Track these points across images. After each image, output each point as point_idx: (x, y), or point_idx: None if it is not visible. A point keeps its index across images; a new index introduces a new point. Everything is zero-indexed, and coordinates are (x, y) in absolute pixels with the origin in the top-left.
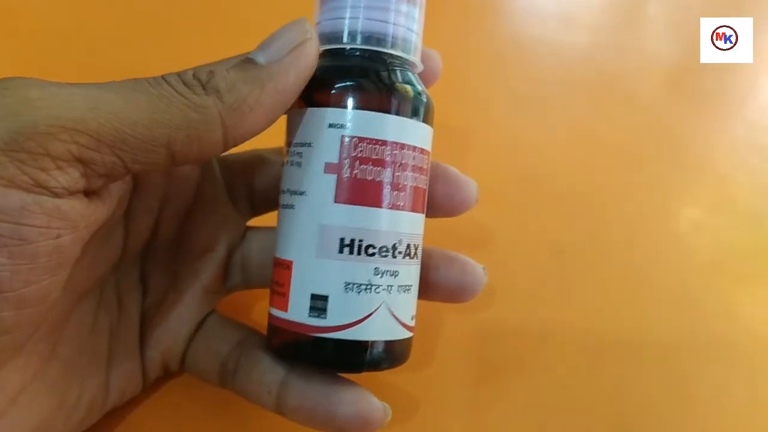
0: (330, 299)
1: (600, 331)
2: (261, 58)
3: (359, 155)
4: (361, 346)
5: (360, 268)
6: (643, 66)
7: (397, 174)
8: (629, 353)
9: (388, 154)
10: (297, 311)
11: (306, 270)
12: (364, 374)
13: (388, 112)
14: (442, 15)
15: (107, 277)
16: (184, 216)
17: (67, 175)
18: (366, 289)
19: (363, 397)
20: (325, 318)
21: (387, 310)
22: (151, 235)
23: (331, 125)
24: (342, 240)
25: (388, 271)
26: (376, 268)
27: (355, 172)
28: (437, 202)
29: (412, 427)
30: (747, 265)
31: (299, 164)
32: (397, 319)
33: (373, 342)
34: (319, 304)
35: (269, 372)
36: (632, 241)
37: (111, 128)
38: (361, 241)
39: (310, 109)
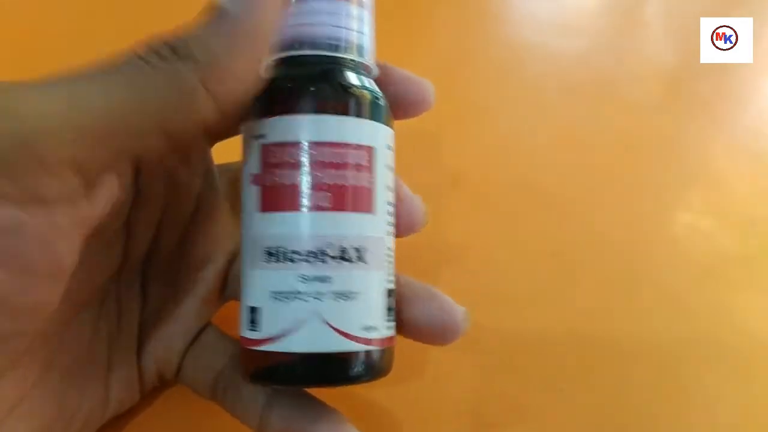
0: (261, 310)
1: (594, 335)
2: (227, 3)
3: (274, 161)
4: (293, 358)
5: (285, 275)
6: (642, 69)
7: (317, 174)
8: (624, 357)
9: (304, 155)
10: (243, 325)
11: (246, 283)
12: (359, 388)
13: (298, 113)
14: (440, 21)
15: (108, 287)
16: (185, 225)
17: (60, 180)
18: (293, 297)
19: (341, 427)
20: (259, 330)
21: (320, 320)
22: (152, 244)
23: (253, 137)
24: (267, 249)
25: (317, 277)
26: (302, 275)
27: (274, 178)
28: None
29: None
30: (742, 269)
31: (243, 180)
32: (335, 329)
33: (306, 354)
34: (254, 316)
35: (255, 392)
36: (628, 245)
37: (100, 126)
38: (283, 248)
39: (243, 126)
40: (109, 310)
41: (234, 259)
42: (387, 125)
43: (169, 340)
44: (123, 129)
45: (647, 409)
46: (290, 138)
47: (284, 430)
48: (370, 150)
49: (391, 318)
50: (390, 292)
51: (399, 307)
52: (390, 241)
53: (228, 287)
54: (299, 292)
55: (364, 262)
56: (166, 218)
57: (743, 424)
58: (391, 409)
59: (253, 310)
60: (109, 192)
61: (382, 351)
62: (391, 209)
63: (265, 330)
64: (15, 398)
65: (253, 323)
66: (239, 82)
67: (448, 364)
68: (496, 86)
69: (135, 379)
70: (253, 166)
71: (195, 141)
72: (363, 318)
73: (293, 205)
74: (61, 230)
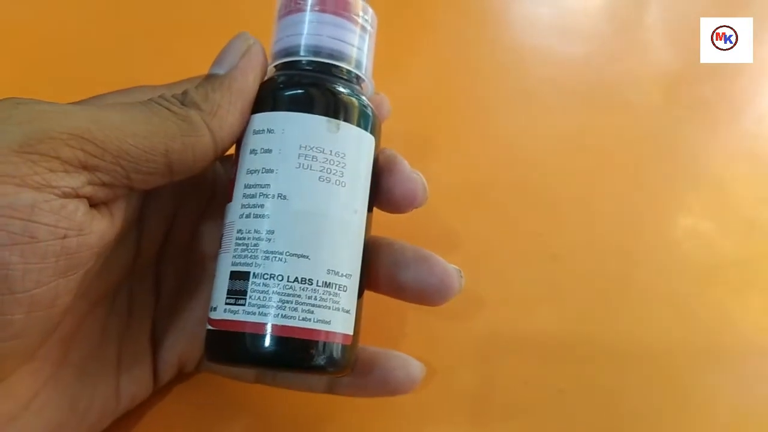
0: None
1: (594, 337)
2: (220, 70)
3: None
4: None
5: None
6: (642, 70)
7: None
8: (623, 360)
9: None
10: None
11: None
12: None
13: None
14: (441, 24)
15: (122, 283)
16: (198, 219)
17: (73, 179)
18: None
19: (408, 361)
20: None
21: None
22: (165, 239)
23: None
24: None
25: None
26: None
27: None
28: (382, 196)
29: None
30: (741, 273)
31: None
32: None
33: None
34: None
35: None
36: (627, 248)
37: (115, 138)
38: None
39: None
40: (121, 306)
41: None
42: (260, 111)
43: (188, 332)
44: (132, 150)
45: (647, 411)
46: None
47: (356, 380)
48: (238, 144)
49: (235, 301)
50: (235, 275)
51: (394, 272)
52: (244, 224)
53: None
54: None
55: (221, 247)
56: (180, 212)
57: (742, 427)
58: (391, 410)
59: None
60: (123, 211)
61: (218, 333)
62: (252, 191)
63: None
64: (30, 394)
65: None
66: (235, 127)
67: (448, 365)
68: (497, 89)
69: (147, 374)
70: None
71: (189, 171)
72: (212, 299)
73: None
74: (71, 222)
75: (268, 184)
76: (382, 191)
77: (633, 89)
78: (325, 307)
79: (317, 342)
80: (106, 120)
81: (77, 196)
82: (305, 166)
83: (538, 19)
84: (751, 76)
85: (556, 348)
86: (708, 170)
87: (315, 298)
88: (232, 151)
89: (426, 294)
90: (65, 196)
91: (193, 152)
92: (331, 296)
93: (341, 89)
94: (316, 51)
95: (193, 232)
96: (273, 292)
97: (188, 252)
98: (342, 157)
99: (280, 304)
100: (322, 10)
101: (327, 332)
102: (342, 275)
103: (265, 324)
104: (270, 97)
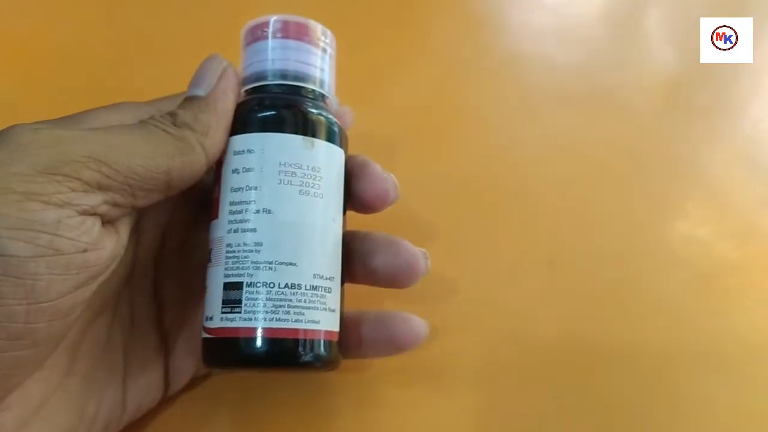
0: None
1: (591, 343)
2: (200, 92)
3: None
4: None
5: None
6: (641, 71)
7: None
8: (620, 365)
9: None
10: None
11: None
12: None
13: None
14: (439, 31)
15: (120, 292)
16: (190, 227)
17: (91, 198)
18: None
19: (412, 319)
20: None
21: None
22: (161, 248)
23: None
24: None
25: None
26: None
27: None
28: (356, 199)
29: None
30: (739, 277)
31: None
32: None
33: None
34: None
35: None
36: (624, 253)
37: (125, 160)
38: None
39: None
40: (123, 317)
41: None
42: (238, 133)
43: (198, 337)
44: (139, 169)
45: (643, 417)
46: None
47: (361, 343)
48: (219, 163)
49: (231, 310)
50: (229, 285)
51: (366, 259)
52: (233, 238)
53: None
54: None
55: (210, 260)
56: (174, 217)
57: (738, 430)
58: (390, 413)
59: None
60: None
61: (215, 340)
62: (238, 207)
63: None
64: (40, 399)
65: None
66: (221, 145)
67: (443, 370)
68: (495, 96)
69: (156, 382)
70: None
71: (184, 186)
72: (206, 309)
73: None
74: (89, 236)
75: (253, 200)
76: (356, 194)
77: (632, 91)
78: (314, 308)
79: (310, 341)
80: (117, 143)
81: (93, 214)
82: (286, 182)
83: (536, 24)
84: (751, 76)
85: (551, 354)
86: (705, 175)
87: (304, 301)
88: None
89: (394, 276)
90: (84, 213)
91: (190, 169)
92: (318, 298)
93: (311, 109)
94: (283, 75)
95: (186, 240)
96: (265, 299)
97: (184, 260)
98: (317, 171)
99: (273, 308)
100: (285, 37)
101: (316, 330)
102: (326, 278)
103: (256, 328)
104: (246, 119)
